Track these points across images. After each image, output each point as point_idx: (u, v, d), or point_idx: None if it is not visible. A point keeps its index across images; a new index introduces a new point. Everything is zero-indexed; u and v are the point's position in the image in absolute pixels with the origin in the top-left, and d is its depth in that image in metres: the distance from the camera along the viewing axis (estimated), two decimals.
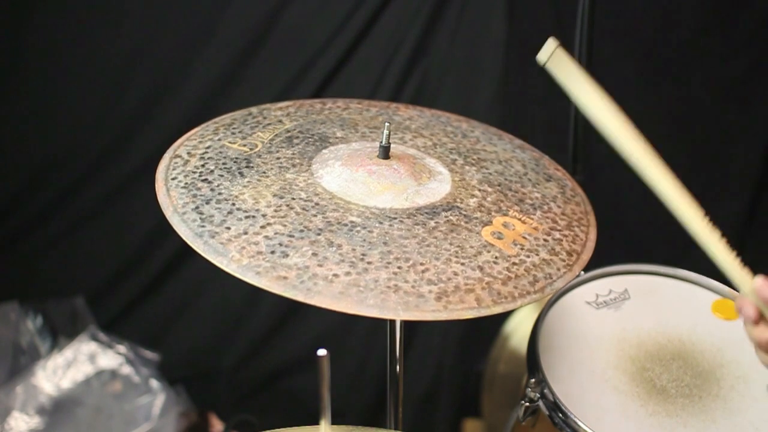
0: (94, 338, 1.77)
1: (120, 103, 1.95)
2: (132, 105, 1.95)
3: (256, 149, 1.00)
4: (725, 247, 0.78)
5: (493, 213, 0.94)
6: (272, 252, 0.81)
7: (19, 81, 1.96)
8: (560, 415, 1.02)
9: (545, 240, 0.92)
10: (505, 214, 0.95)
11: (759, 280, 0.77)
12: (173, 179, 0.92)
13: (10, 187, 2.01)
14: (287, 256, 0.81)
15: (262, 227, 0.85)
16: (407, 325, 1.10)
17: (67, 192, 2.00)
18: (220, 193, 0.90)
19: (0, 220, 2.01)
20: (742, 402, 1.06)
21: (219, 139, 1.01)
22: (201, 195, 0.89)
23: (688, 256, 1.92)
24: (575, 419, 1.00)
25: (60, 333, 1.84)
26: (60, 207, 2.00)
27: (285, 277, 0.79)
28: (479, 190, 0.98)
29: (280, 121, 1.08)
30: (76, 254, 2.03)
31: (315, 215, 0.88)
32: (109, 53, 1.93)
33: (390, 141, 0.97)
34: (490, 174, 1.03)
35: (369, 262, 0.82)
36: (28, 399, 1.68)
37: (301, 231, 0.85)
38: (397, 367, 1.10)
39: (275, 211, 0.87)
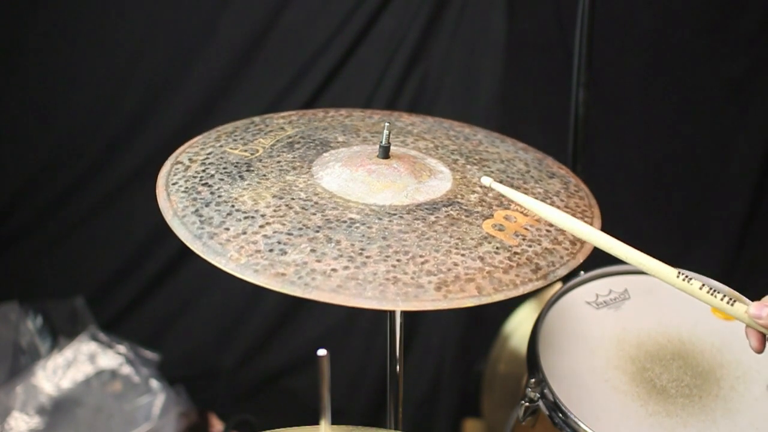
0: (94, 338, 1.77)
1: (120, 104, 1.96)
2: (132, 105, 1.95)
3: (257, 154, 1.00)
4: (708, 293, 0.81)
5: (494, 207, 0.94)
6: (270, 250, 0.82)
7: (19, 81, 1.96)
8: (560, 415, 1.02)
9: (548, 231, 0.92)
10: (507, 208, 0.94)
11: (750, 309, 0.80)
12: (174, 184, 0.93)
13: (10, 187, 2.01)
14: (285, 253, 0.81)
15: (261, 227, 0.85)
16: (407, 325, 1.10)
17: (66, 192, 2.00)
18: (219, 196, 0.90)
19: (0, 220, 2.01)
20: (742, 402, 1.06)
21: (221, 146, 1.02)
22: (201, 198, 0.90)
23: (688, 256, 1.93)
24: (575, 419, 1.00)
25: (60, 333, 1.84)
26: (60, 207, 2.00)
27: (283, 274, 0.79)
28: (480, 186, 0.98)
29: (282, 128, 1.09)
30: (76, 254, 2.03)
31: (314, 214, 0.88)
32: (109, 54, 1.94)
33: (390, 142, 0.97)
34: (492, 172, 1.03)
35: (368, 257, 0.82)
36: (28, 399, 1.68)
37: (300, 229, 0.85)
38: (397, 367, 1.10)
39: (274, 211, 0.88)
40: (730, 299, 0.82)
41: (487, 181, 0.89)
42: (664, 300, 1.21)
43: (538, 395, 1.04)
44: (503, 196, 0.90)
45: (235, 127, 1.08)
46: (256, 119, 1.12)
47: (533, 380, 1.05)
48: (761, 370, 1.10)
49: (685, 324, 1.17)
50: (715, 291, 0.81)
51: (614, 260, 1.24)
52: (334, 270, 0.80)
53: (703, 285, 0.81)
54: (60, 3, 1.90)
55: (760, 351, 0.82)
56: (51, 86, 1.96)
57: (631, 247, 0.83)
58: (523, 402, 1.05)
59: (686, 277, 0.82)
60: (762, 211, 1.94)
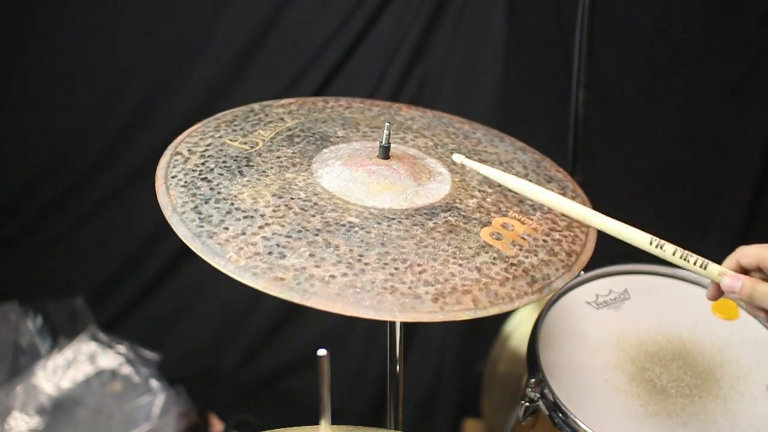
0: (94, 338, 1.77)
1: (120, 103, 1.96)
2: (132, 105, 1.95)
3: (257, 147, 0.99)
4: (681, 257, 0.86)
5: (492, 214, 0.94)
6: (270, 253, 0.81)
7: (19, 81, 1.96)
8: (560, 415, 1.02)
9: (544, 241, 0.92)
10: (505, 215, 0.94)
11: (726, 279, 0.85)
12: (173, 177, 0.92)
13: (10, 187, 2.01)
14: (285, 257, 0.81)
15: (261, 227, 0.84)
16: (407, 325, 1.10)
17: (67, 192, 2.00)
18: (219, 193, 0.89)
19: (0, 220, 2.01)
20: (742, 402, 1.06)
21: (220, 137, 1.01)
22: (200, 194, 0.89)
23: None
24: (575, 419, 1.00)
25: (60, 333, 1.84)
26: (60, 207, 2.00)
27: (282, 279, 0.78)
28: (479, 190, 0.98)
29: (282, 118, 1.08)
30: (76, 254, 2.03)
31: (313, 215, 0.87)
32: (110, 53, 1.94)
33: (390, 141, 0.97)
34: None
35: (366, 263, 0.82)
36: (28, 399, 1.68)
37: (299, 231, 0.85)
38: (397, 367, 1.10)
39: (274, 211, 0.87)
40: (702, 263, 0.85)
41: (458, 158, 0.90)
42: (664, 300, 1.21)
43: (538, 395, 1.04)
44: (501, 201, 0.90)
45: (234, 116, 1.07)
46: (256, 107, 1.11)
47: (533, 380, 1.05)
48: (761, 370, 1.10)
49: (685, 324, 1.17)
50: (687, 255, 0.83)
51: (614, 261, 1.24)
52: (332, 276, 0.79)
53: (676, 251, 0.83)
54: (60, 3, 1.90)
55: (713, 299, 0.91)
56: (51, 86, 1.96)
57: (602, 214, 0.85)
58: (523, 402, 1.05)
59: (659, 244, 0.84)
60: (762, 211, 1.94)
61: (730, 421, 1.03)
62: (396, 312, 0.78)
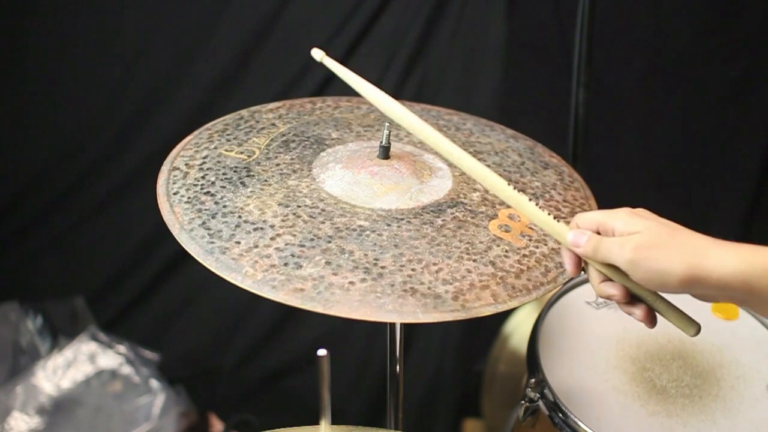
0: (94, 338, 1.77)
1: (120, 104, 1.95)
2: (132, 105, 1.95)
3: (254, 156, 0.99)
4: (536, 207, 0.80)
5: (497, 206, 0.94)
6: (285, 264, 0.80)
7: (19, 82, 1.96)
8: (560, 415, 1.02)
9: None
10: (510, 206, 0.95)
11: (569, 235, 0.77)
12: (175, 194, 0.90)
13: (11, 186, 2.01)
14: (301, 267, 0.80)
15: (272, 239, 0.83)
16: (407, 325, 1.10)
17: (66, 192, 2.00)
18: (224, 206, 0.88)
19: (0, 220, 2.01)
20: (742, 402, 1.06)
21: (215, 148, 1.00)
22: (206, 209, 0.87)
23: None
24: (575, 419, 1.00)
25: (60, 333, 1.84)
26: (60, 207, 2.00)
27: (302, 289, 0.77)
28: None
29: (274, 124, 1.07)
30: (76, 254, 2.03)
31: (323, 222, 0.86)
32: (109, 54, 1.93)
33: (390, 142, 0.97)
34: (489, 166, 1.03)
35: (383, 267, 0.81)
36: (28, 399, 1.68)
37: (312, 240, 0.83)
38: (397, 368, 1.10)
39: (283, 220, 0.86)
40: (557, 216, 0.82)
41: (318, 55, 0.89)
42: None
43: (538, 395, 1.04)
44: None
45: (225, 125, 1.06)
46: (244, 113, 1.10)
47: (533, 380, 1.05)
48: (761, 370, 1.10)
49: None
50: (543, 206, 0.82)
51: None
52: (351, 283, 0.78)
53: (532, 198, 0.82)
54: (60, 3, 1.90)
55: (574, 275, 0.81)
56: (51, 87, 1.96)
57: (477, 162, 0.82)
58: (523, 402, 1.05)
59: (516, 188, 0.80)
60: (762, 211, 1.94)
61: (730, 421, 1.03)
62: (419, 313, 0.77)
